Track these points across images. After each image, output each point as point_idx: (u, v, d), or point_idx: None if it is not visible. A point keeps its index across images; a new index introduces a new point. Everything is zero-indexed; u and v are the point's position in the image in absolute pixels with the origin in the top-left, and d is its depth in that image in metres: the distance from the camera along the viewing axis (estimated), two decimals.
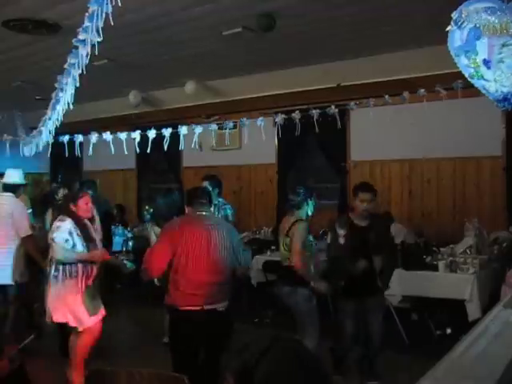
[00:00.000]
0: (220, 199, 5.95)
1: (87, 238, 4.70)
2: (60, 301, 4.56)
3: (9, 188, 6.04)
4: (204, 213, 4.04)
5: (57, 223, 4.66)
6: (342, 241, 4.63)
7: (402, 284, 5.69)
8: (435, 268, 5.63)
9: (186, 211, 4.14)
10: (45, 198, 7.62)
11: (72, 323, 4.59)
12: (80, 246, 4.63)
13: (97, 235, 5.00)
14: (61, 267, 4.58)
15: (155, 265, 3.90)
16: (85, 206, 4.78)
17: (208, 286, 3.81)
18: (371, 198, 4.66)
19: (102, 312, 4.75)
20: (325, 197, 7.79)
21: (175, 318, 3.91)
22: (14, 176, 6.21)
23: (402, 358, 5.34)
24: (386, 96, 5.10)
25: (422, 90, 4.87)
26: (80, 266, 4.61)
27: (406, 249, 6.02)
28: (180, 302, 3.81)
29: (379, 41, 6.23)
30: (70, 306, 4.57)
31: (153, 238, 5.67)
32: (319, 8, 5.15)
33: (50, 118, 4.36)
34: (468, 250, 5.92)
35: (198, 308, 3.78)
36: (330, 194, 8.16)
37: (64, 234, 4.56)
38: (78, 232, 4.63)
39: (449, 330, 5.72)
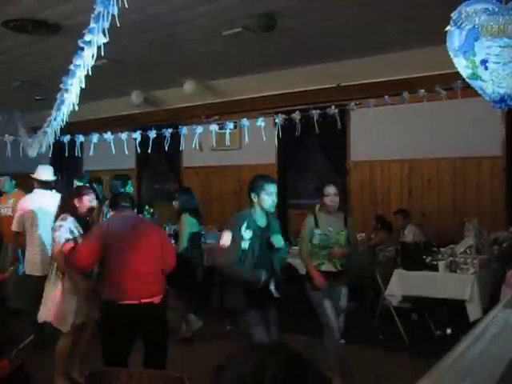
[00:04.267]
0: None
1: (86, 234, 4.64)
2: (56, 301, 4.54)
3: (46, 185, 6.06)
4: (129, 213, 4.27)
5: (58, 222, 4.57)
6: None
7: (402, 284, 5.69)
8: (435, 268, 5.62)
9: (112, 214, 4.41)
10: None
11: (55, 324, 4.56)
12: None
13: None
14: None
15: (83, 260, 4.10)
16: (88, 203, 4.72)
17: (142, 280, 3.91)
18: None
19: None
20: None
21: (111, 312, 3.97)
22: (44, 172, 6.21)
23: (402, 357, 5.34)
24: (386, 96, 5.11)
25: (422, 91, 4.88)
26: None
27: (406, 249, 6.02)
28: (117, 296, 3.90)
29: (379, 41, 6.23)
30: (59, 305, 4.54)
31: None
32: (319, 8, 5.15)
33: (55, 119, 4.37)
34: (468, 250, 5.91)
35: (135, 302, 3.87)
36: None
37: (65, 234, 4.47)
38: (80, 230, 4.57)
39: (449, 330, 5.73)
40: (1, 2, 4.84)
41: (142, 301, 3.88)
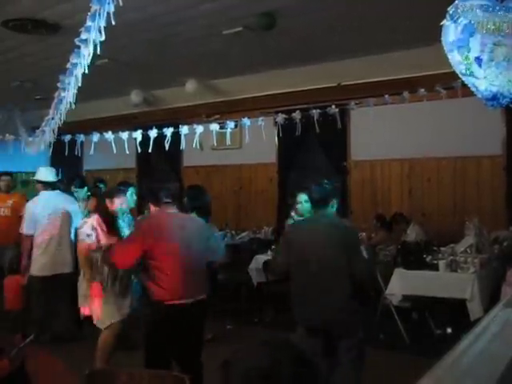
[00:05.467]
0: None
1: (112, 234, 4.67)
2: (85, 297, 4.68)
3: (49, 186, 6.08)
4: (173, 211, 4.08)
5: (84, 219, 4.81)
6: None
7: (402, 283, 5.69)
8: (436, 267, 5.62)
9: (152, 210, 4.16)
10: None
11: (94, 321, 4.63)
12: (103, 242, 4.63)
13: None
14: None
15: (122, 261, 4.01)
16: (120, 205, 4.80)
17: (187, 280, 3.85)
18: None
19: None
20: None
21: (159, 313, 3.89)
22: (47, 174, 6.21)
23: (402, 357, 5.34)
24: (386, 95, 5.12)
25: (423, 90, 4.88)
26: None
27: (406, 248, 6.02)
28: (165, 297, 3.83)
29: (379, 40, 6.23)
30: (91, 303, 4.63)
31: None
32: (319, 7, 5.15)
33: (52, 118, 4.37)
34: (468, 250, 5.91)
35: (184, 301, 3.82)
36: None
37: (87, 230, 4.62)
38: (104, 228, 4.65)
39: (449, 330, 5.73)
40: (0, 1, 4.84)
41: (190, 300, 3.85)
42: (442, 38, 3.14)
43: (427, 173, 7.33)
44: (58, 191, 6.09)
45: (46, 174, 6.18)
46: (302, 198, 4.89)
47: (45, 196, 6.02)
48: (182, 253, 3.86)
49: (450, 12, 3.11)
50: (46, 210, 5.86)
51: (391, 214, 7.06)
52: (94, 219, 4.71)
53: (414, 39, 6.16)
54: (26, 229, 5.90)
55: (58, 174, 6.33)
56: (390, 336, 5.89)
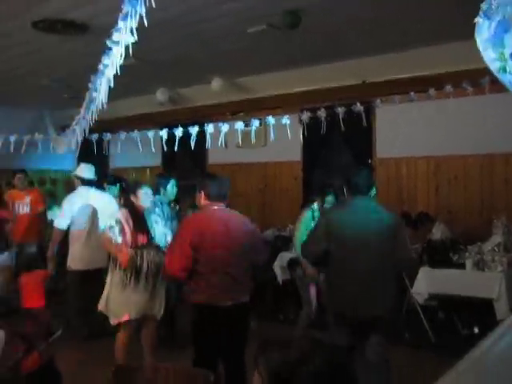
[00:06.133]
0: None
1: (138, 228, 4.74)
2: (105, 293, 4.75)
3: (88, 183, 6.22)
4: (220, 207, 3.95)
5: (116, 217, 4.84)
6: None
7: (428, 282, 5.64)
8: (462, 266, 5.56)
9: (203, 204, 4.00)
10: None
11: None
12: (129, 236, 4.67)
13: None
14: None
15: (178, 263, 3.82)
16: (144, 195, 4.85)
17: (229, 282, 3.78)
18: None
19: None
20: None
21: (201, 314, 3.85)
22: (86, 170, 6.34)
23: (428, 356, 5.30)
24: (412, 93, 5.08)
25: (449, 87, 4.84)
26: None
27: (433, 246, 5.97)
28: (207, 299, 3.77)
29: (405, 37, 6.18)
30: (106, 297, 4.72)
31: None
32: (344, 5, 5.13)
33: (83, 117, 4.44)
34: (496, 248, 5.83)
35: (228, 303, 3.76)
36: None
37: (111, 222, 4.70)
38: (130, 223, 4.69)
39: (476, 330, 5.66)
40: (30, 3, 4.93)
41: (234, 302, 3.78)
42: (476, 36, 3.09)
43: (454, 170, 7.25)
44: (94, 188, 6.22)
45: (86, 170, 6.32)
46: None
47: (82, 192, 6.15)
48: (225, 252, 3.76)
49: (484, 8, 3.07)
50: (83, 206, 5.98)
51: (417, 211, 7.00)
52: (122, 213, 4.77)
53: (440, 35, 6.10)
54: (59, 223, 6.04)
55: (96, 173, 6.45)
56: (415, 335, 5.85)
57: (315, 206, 5.45)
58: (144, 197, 4.85)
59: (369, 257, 3.81)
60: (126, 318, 4.62)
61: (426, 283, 5.66)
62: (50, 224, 8.29)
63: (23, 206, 7.42)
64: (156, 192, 5.35)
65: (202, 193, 3.95)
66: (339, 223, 3.95)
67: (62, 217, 6.05)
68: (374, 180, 4.07)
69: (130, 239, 4.65)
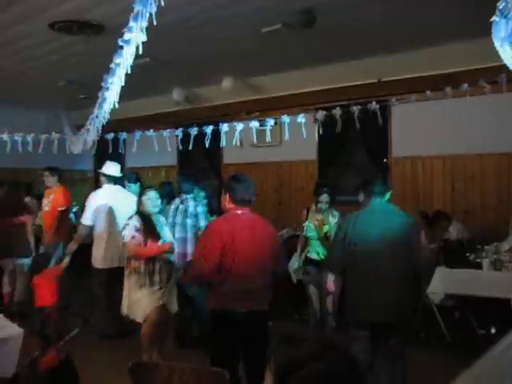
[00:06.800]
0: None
1: (147, 233, 4.86)
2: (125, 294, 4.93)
3: (113, 180, 6.30)
4: (245, 211, 3.88)
5: (125, 221, 4.98)
6: None
7: (444, 282, 5.60)
8: (479, 266, 5.52)
9: (227, 207, 3.91)
10: None
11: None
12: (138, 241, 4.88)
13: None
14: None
15: (211, 272, 3.73)
16: (148, 202, 4.95)
17: (252, 288, 3.73)
18: None
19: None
20: None
21: (218, 319, 3.82)
22: (113, 168, 6.42)
23: (444, 356, 5.27)
24: (428, 91, 5.04)
25: (465, 85, 4.79)
26: (143, 262, 4.84)
27: (449, 246, 5.92)
28: (224, 303, 3.73)
29: (420, 35, 6.14)
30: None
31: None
32: (358, 3, 5.11)
33: (97, 117, 4.48)
34: None
35: (242, 310, 3.71)
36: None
37: (131, 231, 4.83)
38: (141, 228, 4.86)
39: (493, 330, 5.61)
40: (46, 4, 4.97)
41: (250, 309, 3.71)
42: (493, 34, 3.07)
43: (470, 169, 7.19)
44: (119, 186, 6.28)
45: (112, 168, 6.38)
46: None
47: (107, 189, 6.21)
48: (248, 260, 3.70)
49: (500, 7, 3.05)
50: (107, 203, 6.04)
51: (433, 211, 6.95)
52: (132, 220, 4.91)
53: (456, 33, 6.05)
54: (84, 219, 6.14)
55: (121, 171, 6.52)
56: (431, 335, 5.82)
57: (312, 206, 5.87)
58: (148, 203, 4.92)
59: (391, 260, 3.93)
60: (147, 313, 4.83)
61: (443, 283, 5.62)
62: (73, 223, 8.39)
63: (46, 204, 7.44)
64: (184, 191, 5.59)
65: (227, 195, 3.86)
66: (360, 229, 4.07)
67: (87, 212, 6.13)
68: (389, 183, 4.20)
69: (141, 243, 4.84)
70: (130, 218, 4.96)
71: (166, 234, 5.12)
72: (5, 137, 6.45)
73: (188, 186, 5.94)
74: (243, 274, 3.68)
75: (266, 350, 3.78)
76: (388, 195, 4.22)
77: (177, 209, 5.85)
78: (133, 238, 4.81)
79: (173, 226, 5.70)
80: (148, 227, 4.88)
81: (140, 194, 5.15)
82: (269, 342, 3.85)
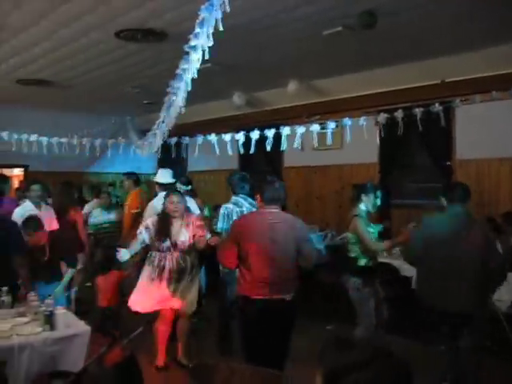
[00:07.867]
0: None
1: (158, 233, 5.10)
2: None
3: (166, 187, 6.41)
4: (272, 210, 4.18)
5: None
6: None
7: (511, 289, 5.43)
8: None
9: (259, 206, 4.34)
10: None
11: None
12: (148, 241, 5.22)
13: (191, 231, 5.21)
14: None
15: (227, 261, 4.27)
16: (170, 205, 5.12)
17: (271, 278, 4.01)
18: None
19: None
20: (430, 196, 7.52)
21: (245, 306, 4.14)
22: (164, 175, 6.60)
23: (510, 366, 5.10)
24: (494, 92, 4.90)
25: None
26: (157, 255, 5.09)
27: None
28: (250, 292, 4.06)
29: (484, 34, 5.96)
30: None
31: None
32: (419, 4, 5.02)
33: (163, 121, 4.61)
34: None
35: (266, 297, 4.00)
36: (434, 193, 7.89)
37: (141, 228, 5.20)
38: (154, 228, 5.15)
39: None
40: (112, 14, 5.15)
41: (272, 297, 4.01)
42: None
43: None
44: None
45: (163, 175, 6.52)
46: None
47: (161, 196, 6.35)
48: (267, 252, 4.02)
49: None
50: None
51: (500, 215, 6.73)
52: (151, 221, 5.21)
53: None
54: (139, 232, 6.27)
55: (175, 176, 6.64)
56: (497, 344, 5.63)
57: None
58: (170, 206, 5.15)
59: (466, 263, 4.24)
60: (149, 309, 5.09)
61: (510, 290, 5.44)
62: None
63: (125, 207, 7.67)
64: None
65: (258, 196, 4.29)
66: (437, 232, 4.37)
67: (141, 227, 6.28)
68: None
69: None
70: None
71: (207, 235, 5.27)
72: (75, 141, 6.71)
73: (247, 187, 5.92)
74: (259, 265, 4.01)
75: (288, 340, 4.14)
76: (468, 201, 4.48)
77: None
78: (139, 233, 5.14)
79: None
80: (161, 227, 5.09)
81: (165, 196, 5.27)
82: (291, 332, 4.16)
